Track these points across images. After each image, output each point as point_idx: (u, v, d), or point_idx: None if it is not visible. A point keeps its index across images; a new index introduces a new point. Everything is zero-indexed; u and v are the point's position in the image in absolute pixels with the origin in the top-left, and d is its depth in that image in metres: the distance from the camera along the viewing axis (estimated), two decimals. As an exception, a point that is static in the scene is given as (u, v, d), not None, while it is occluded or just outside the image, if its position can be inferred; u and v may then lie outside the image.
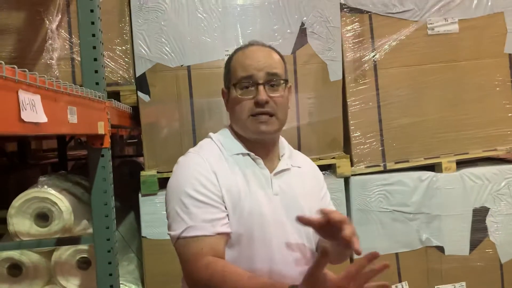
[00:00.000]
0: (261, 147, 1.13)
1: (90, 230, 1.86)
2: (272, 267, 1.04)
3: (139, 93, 2.35)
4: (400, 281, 2.54)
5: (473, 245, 2.57)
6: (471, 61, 2.59)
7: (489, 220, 2.58)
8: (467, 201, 2.56)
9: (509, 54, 2.61)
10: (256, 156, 1.11)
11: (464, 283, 2.56)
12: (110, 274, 1.73)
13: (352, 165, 2.53)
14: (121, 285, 1.89)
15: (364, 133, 2.53)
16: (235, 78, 1.12)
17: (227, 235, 1.02)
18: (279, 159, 1.16)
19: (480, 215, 2.57)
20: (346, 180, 2.54)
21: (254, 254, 1.03)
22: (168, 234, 1.03)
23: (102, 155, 1.73)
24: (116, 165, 4.51)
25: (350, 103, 2.53)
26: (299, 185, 1.16)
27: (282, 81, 1.12)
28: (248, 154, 1.11)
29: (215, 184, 1.03)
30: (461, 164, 2.61)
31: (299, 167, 1.19)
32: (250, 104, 1.08)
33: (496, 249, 2.59)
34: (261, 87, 1.08)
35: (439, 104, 2.58)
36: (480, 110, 2.60)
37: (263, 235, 1.04)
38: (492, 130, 2.61)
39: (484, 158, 2.70)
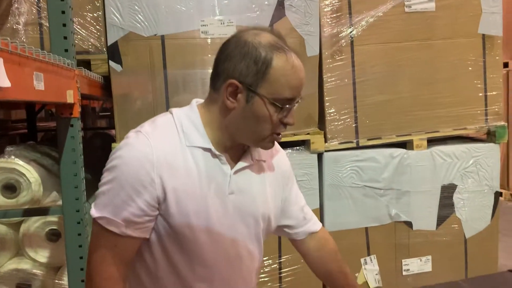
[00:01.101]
0: (234, 145, 1.01)
1: (60, 202, 1.82)
2: (215, 271, 0.99)
3: (111, 63, 2.28)
4: (368, 255, 2.61)
5: (440, 221, 2.66)
6: (446, 40, 2.61)
7: (456, 197, 2.66)
8: (436, 178, 2.63)
9: (483, 35, 2.65)
10: (219, 153, 0.98)
11: (430, 257, 2.65)
12: (80, 246, 1.71)
13: (326, 141, 2.54)
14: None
15: (339, 109, 2.55)
16: (278, 94, 0.93)
17: (140, 239, 0.95)
18: (244, 151, 1.04)
19: (448, 192, 2.65)
20: (320, 156, 2.56)
21: (198, 255, 0.97)
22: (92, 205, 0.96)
23: (72, 125, 1.68)
24: (88, 138, 4.43)
25: (326, 79, 2.52)
26: (260, 183, 1.05)
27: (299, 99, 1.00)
28: (210, 150, 0.97)
29: (154, 183, 0.91)
30: (431, 142, 2.66)
31: (264, 161, 1.07)
32: (277, 124, 0.96)
33: (462, 224, 2.69)
34: (292, 110, 0.97)
35: (413, 82, 2.60)
36: (452, 89, 2.64)
37: (209, 235, 0.96)
38: (463, 109, 2.67)
39: (454, 136, 2.76)
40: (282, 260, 2.52)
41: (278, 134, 0.99)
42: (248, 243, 1.04)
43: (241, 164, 1.02)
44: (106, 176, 0.95)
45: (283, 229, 1.19)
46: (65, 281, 2.16)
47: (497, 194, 2.73)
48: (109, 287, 0.93)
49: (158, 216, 0.95)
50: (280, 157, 1.16)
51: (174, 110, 1.03)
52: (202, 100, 1.05)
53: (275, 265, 2.52)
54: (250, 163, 1.04)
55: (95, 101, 6.60)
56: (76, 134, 1.69)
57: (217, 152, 0.99)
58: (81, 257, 1.71)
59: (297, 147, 2.56)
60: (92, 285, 0.94)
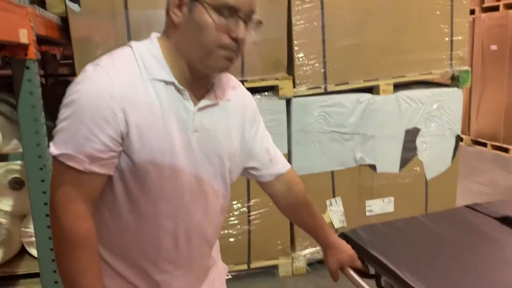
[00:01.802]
0: (195, 78, 0.97)
1: (21, 150, 1.76)
2: (179, 208, 0.97)
3: (68, 2, 2.14)
4: (334, 197, 2.69)
5: (403, 164, 2.75)
6: (415, -17, 2.58)
7: (419, 140, 2.74)
8: (400, 123, 2.69)
9: (451, -22, 2.63)
10: (182, 87, 0.94)
11: (392, 198, 2.77)
12: (44, 192, 1.68)
13: (294, 86, 2.53)
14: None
15: (308, 54, 2.52)
16: (217, 0, 0.90)
17: (106, 176, 0.92)
18: (208, 90, 1.01)
19: (411, 136, 2.72)
20: (288, 102, 2.55)
21: (163, 192, 0.95)
22: (51, 143, 0.92)
23: (27, 67, 1.59)
24: (50, 85, 4.26)
25: (295, 22, 2.47)
26: (224, 122, 1.03)
27: (257, 22, 0.95)
28: (173, 84, 0.94)
29: (116, 117, 0.88)
30: (397, 87, 2.69)
31: (228, 100, 1.04)
32: (223, 35, 0.91)
33: (423, 167, 2.79)
34: (242, 24, 0.91)
35: (382, 26, 2.59)
36: (420, 35, 2.65)
37: (174, 172, 0.94)
38: (430, 54, 2.69)
39: (420, 81, 2.80)
40: (250, 203, 2.57)
41: (226, 49, 0.93)
42: (213, 181, 1.03)
43: (204, 102, 0.99)
44: (64, 112, 0.90)
45: (249, 171, 1.18)
46: (31, 228, 2.14)
47: (458, 138, 2.83)
48: (77, 226, 0.91)
49: (122, 153, 0.92)
50: (245, 98, 1.14)
51: (133, 43, 0.98)
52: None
53: (244, 209, 2.57)
54: (214, 102, 1.01)
55: (56, 48, 6.29)
56: (33, 77, 1.61)
57: (180, 86, 0.95)
58: (45, 204, 1.69)
59: (265, 93, 2.55)
60: (59, 226, 0.91)
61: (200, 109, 0.99)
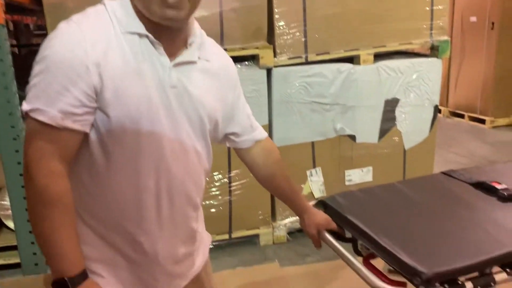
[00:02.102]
0: (164, 30, 0.94)
1: (-7, 119, 1.71)
2: (160, 165, 0.96)
3: (38, -34, 2.05)
4: (314, 167, 2.72)
5: (382, 134, 2.78)
6: (397, -50, 2.55)
7: (398, 111, 2.76)
8: (380, 93, 2.70)
9: None
10: (156, 40, 0.93)
11: (371, 168, 2.80)
12: (19, 163, 1.64)
13: (275, 56, 2.50)
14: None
15: (288, 22, 2.48)
16: None
17: (80, 133, 0.90)
18: (186, 48, 0.99)
19: (391, 106, 2.74)
20: (269, 72, 2.53)
21: (141, 148, 0.94)
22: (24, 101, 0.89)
23: (-4, 33, 1.53)
24: (23, 55, 4.13)
25: (275, -11, 2.42)
26: (204, 83, 1.01)
27: None
28: (147, 37, 0.92)
29: (89, 71, 0.87)
30: (378, 57, 2.69)
31: (207, 60, 1.03)
32: None
33: (402, 137, 2.83)
34: None
35: (363, -5, 2.56)
36: (400, 4, 2.63)
37: (152, 127, 0.92)
38: (410, 23, 2.68)
39: (400, 52, 2.80)
40: (231, 174, 2.57)
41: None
42: (195, 141, 1.02)
43: (180, 58, 0.98)
44: (36, 68, 0.88)
45: (229, 137, 1.18)
46: (7, 201, 2.11)
47: (436, 108, 2.87)
48: (52, 183, 0.88)
49: (97, 110, 0.90)
50: (228, 63, 1.13)
51: (106, 0, 0.96)
52: None
53: (225, 179, 2.57)
54: (190, 59, 1.00)
55: (29, 18, 6.08)
56: (2, 43, 1.55)
57: (154, 40, 0.94)
58: (20, 175, 1.65)
59: (246, 62, 2.51)
60: (32, 184, 0.88)
61: (176, 65, 0.97)
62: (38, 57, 0.89)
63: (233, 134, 1.17)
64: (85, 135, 0.92)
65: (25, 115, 0.89)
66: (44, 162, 0.88)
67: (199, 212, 1.14)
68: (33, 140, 0.89)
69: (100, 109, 0.91)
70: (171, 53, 0.97)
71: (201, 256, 1.17)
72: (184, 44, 1.00)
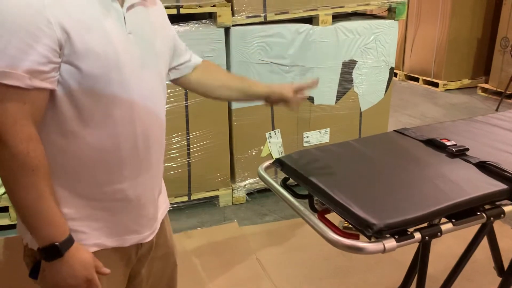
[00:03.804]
0: None
1: None
2: (133, 112, 0.95)
3: None
4: (273, 129, 2.73)
5: (339, 96, 2.81)
6: None
7: (355, 72, 2.80)
8: (338, 55, 2.71)
9: None
10: None
11: (328, 129, 2.85)
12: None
13: (233, 14, 2.44)
14: None
15: (247, -21, 2.41)
16: None
17: (48, 92, 0.86)
18: None
19: (348, 68, 2.77)
20: (227, 31, 2.47)
21: (113, 98, 0.92)
22: None
23: None
24: None
25: None
26: (150, 22, 1.02)
27: None
28: None
29: (50, 24, 0.82)
30: (336, 18, 2.68)
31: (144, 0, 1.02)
32: None
33: (358, 98, 2.88)
34: None
35: (322, -47, 2.52)
36: (359, -37, 2.61)
37: (120, 75, 0.92)
38: (368, -16, 2.68)
39: (357, 13, 2.80)
40: (190, 136, 2.54)
41: None
42: (156, 83, 1.02)
43: (128, 1, 0.95)
44: None
45: (173, 71, 1.20)
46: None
47: (392, 70, 2.92)
48: (32, 149, 0.83)
49: (63, 64, 0.86)
50: (158, 2, 1.11)
51: None
52: None
53: (183, 142, 2.54)
54: (136, 0, 0.98)
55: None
56: None
57: None
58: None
59: (203, 20, 2.44)
60: (9, 151, 0.82)
61: (128, 9, 0.95)
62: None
63: (181, 64, 1.20)
64: (51, 93, 0.87)
65: None
66: (19, 127, 0.83)
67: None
68: (2, 105, 0.82)
69: (68, 63, 0.86)
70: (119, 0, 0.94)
71: (165, 198, 1.19)
72: None
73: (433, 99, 5.01)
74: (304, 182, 1.23)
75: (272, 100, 1.26)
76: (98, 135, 0.93)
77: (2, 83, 0.80)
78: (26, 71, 0.81)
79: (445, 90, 5.26)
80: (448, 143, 1.38)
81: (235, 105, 2.59)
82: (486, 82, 5.17)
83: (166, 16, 1.13)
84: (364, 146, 1.41)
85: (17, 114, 0.83)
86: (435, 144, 1.40)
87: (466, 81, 5.33)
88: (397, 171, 1.26)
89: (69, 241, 0.91)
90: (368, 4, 2.72)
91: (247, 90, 1.26)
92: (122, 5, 0.94)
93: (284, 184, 1.30)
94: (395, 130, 1.55)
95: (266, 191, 2.80)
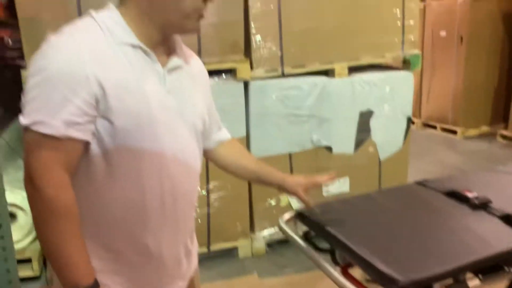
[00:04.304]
0: (166, 40, 1.00)
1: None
2: (162, 166, 0.98)
3: (13, -21, 2.03)
4: (292, 179, 2.74)
5: (357, 145, 2.83)
6: (369, -33, 2.64)
7: (372, 122, 2.83)
8: (355, 105, 2.76)
9: (403, -37, 2.70)
10: (148, 49, 0.96)
11: (347, 178, 2.85)
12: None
13: (251, 69, 2.54)
14: (7, 191, 1.77)
15: (264, 37, 2.52)
16: None
17: (83, 142, 0.91)
18: (170, 54, 1.03)
19: (365, 118, 2.80)
20: (246, 85, 2.56)
21: (144, 152, 0.95)
22: (21, 115, 0.89)
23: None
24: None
25: (252, 5, 2.47)
26: (191, 86, 1.06)
27: None
28: (140, 47, 0.95)
29: (89, 80, 0.87)
30: (352, 70, 2.76)
31: (188, 63, 1.08)
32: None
33: (377, 148, 2.89)
34: None
35: (337, 10, 2.63)
36: (373, 19, 2.71)
37: (153, 132, 0.96)
38: (382, 38, 2.77)
39: (373, 65, 2.88)
40: (210, 186, 2.57)
41: (199, 10, 0.98)
42: (192, 143, 1.05)
43: (171, 64, 1.01)
44: (32, 81, 0.88)
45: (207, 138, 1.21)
46: None
47: (409, 119, 2.95)
48: (61, 194, 0.88)
49: (98, 118, 0.91)
50: (200, 62, 1.17)
51: (93, 12, 0.98)
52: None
53: (203, 191, 2.57)
54: (180, 64, 1.03)
55: (3, 31, 5.97)
56: (-24, 57, 1.52)
57: (147, 49, 0.96)
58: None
59: (223, 75, 2.54)
60: (40, 197, 0.87)
61: (169, 71, 1.00)
62: (33, 69, 0.89)
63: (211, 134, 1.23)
64: (85, 144, 0.92)
65: (25, 129, 0.88)
66: (51, 173, 0.88)
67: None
68: (37, 152, 0.88)
69: (103, 117, 0.91)
70: (162, 60, 1.00)
71: (196, 257, 1.20)
72: (169, 51, 1.03)
73: (452, 146, 4.97)
74: (326, 235, 1.24)
75: (285, 190, 1.28)
76: (124, 187, 0.96)
77: (40, 132, 0.86)
78: (62, 121, 0.87)
79: (464, 137, 5.23)
80: (470, 195, 1.37)
81: (254, 154, 2.62)
82: (506, 128, 5.14)
83: (208, 82, 1.18)
84: (385, 199, 1.41)
85: (50, 160, 0.88)
86: (457, 196, 1.40)
87: (485, 128, 5.29)
88: (419, 224, 1.26)
89: (95, 287, 0.92)
90: (383, 57, 2.79)
91: (263, 178, 1.27)
92: (164, 65, 1.00)
93: (305, 237, 1.30)
94: (416, 182, 1.55)
95: (286, 241, 2.77)
